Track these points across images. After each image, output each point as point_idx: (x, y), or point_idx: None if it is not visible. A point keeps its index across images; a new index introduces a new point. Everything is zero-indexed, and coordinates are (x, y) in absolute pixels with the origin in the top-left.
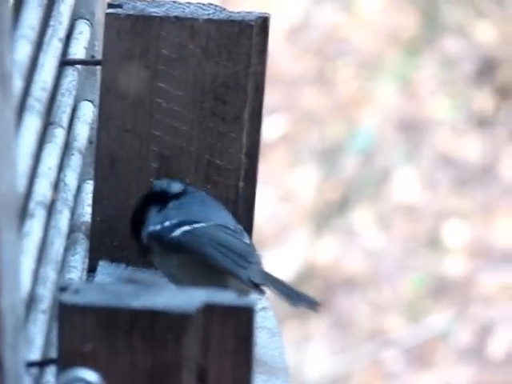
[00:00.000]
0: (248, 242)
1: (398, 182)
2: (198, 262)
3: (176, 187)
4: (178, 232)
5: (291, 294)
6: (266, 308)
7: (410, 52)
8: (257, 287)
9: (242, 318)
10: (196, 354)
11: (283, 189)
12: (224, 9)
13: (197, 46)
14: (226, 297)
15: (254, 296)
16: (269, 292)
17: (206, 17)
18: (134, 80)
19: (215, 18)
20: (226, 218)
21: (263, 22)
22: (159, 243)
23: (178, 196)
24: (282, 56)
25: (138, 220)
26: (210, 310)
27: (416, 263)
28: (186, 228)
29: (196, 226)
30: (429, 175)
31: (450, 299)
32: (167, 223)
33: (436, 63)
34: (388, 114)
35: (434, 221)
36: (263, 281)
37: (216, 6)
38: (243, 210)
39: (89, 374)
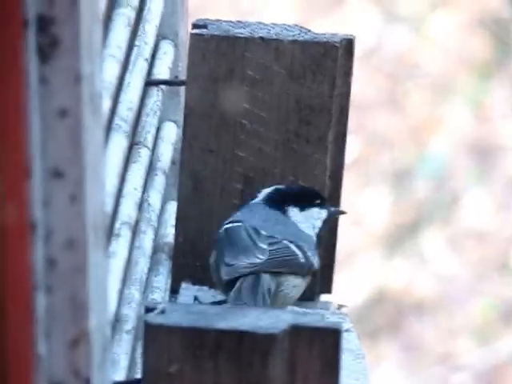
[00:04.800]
0: (265, 247)
1: (470, 205)
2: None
3: (262, 195)
4: (222, 229)
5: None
6: (349, 330)
7: (482, 76)
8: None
9: (329, 340)
10: (282, 376)
11: (354, 212)
12: (309, 30)
13: (282, 67)
14: (312, 318)
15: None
16: (351, 313)
17: (291, 38)
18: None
19: (300, 39)
20: (268, 224)
21: (348, 44)
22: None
23: (252, 203)
24: (353, 79)
25: None
26: (296, 331)
27: (487, 287)
28: (228, 226)
29: (236, 224)
30: (500, 199)
31: None
32: (226, 221)
33: (508, 87)
34: (460, 138)
35: (505, 245)
36: (228, 277)
37: (301, 27)
38: (326, 232)
39: None
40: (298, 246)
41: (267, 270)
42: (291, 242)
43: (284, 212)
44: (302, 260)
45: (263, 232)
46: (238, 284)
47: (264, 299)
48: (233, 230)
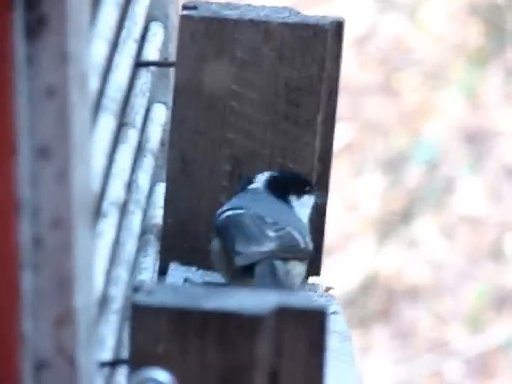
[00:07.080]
0: (272, 235)
1: (463, 192)
2: (222, 245)
3: (256, 183)
4: (222, 216)
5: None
6: (337, 312)
7: (476, 63)
8: (242, 272)
9: (315, 321)
10: (268, 357)
11: (347, 198)
12: (299, 12)
13: (271, 49)
14: (298, 299)
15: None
16: (343, 298)
17: (280, 20)
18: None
19: (290, 21)
20: (271, 211)
21: (338, 27)
22: (213, 227)
23: (249, 189)
24: (347, 65)
25: None
26: (282, 312)
27: (479, 274)
28: (229, 213)
29: (238, 211)
30: (493, 186)
31: None
32: (223, 208)
33: (502, 74)
34: (453, 125)
35: (497, 232)
36: (242, 263)
37: (291, 9)
38: (315, 214)
39: (161, 375)
40: (299, 233)
41: (278, 256)
42: (293, 229)
43: (285, 200)
44: (303, 246)
45: (268, 219)
46: (257, 271)
47: (283, 284)
48: (237, 218)
